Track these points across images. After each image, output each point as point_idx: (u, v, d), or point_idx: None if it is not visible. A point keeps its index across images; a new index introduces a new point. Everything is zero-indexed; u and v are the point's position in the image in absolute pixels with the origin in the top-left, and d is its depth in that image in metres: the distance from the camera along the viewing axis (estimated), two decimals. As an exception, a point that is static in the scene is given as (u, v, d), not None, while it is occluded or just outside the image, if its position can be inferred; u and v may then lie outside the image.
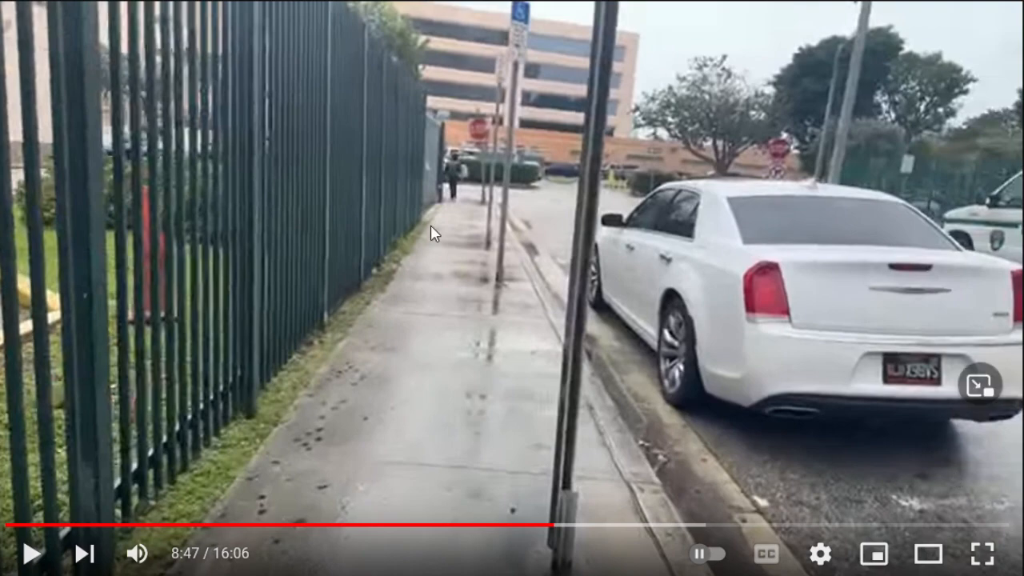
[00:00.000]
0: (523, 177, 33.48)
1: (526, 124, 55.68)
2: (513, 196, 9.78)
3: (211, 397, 3.19)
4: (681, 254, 4.77)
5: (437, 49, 41.80)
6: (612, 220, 6.66)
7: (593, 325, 6.67)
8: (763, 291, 3.81)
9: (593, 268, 7.55)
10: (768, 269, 3.83)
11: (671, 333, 4.67)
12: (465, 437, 3.65)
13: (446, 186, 22.46)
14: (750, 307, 3.82)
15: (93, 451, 2.13)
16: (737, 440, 4.10)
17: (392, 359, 4.86)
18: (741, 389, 3.92)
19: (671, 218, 5.47)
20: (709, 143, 49.30)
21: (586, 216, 2.15)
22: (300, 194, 4.48)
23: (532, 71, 57.24)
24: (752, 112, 46.85)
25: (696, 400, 4.33)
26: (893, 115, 47.43)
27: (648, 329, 5.23)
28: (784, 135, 40.87)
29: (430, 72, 33.20)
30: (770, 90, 48.00)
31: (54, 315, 2.07)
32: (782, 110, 45.85)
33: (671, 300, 4.70)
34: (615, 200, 32.72)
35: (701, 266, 4.44)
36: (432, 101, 16.97)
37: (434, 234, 12.05)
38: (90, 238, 2.01)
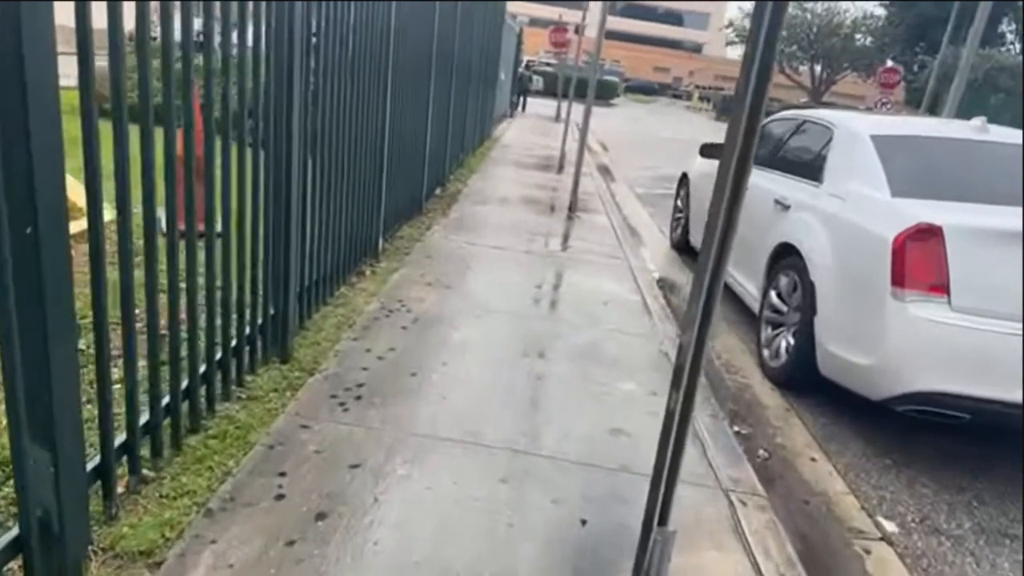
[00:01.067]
0: (601, 94, 31.74)
1: (608, 35, 52.63)
2: (593, 115, 8.83)
3: (232, 344, 2.68)
4: (804, 202, 3.92)
5: (520, -51, 39.21)
6: (711, 150, 5.74)
7: (676, 271, 5.92)
8: (918, 261, 3.00)
9: (680, 204, 6.71)
10: (927, 234, 3.00)
11: (780, 296, 3.91)
12: (526, 411, 3.04)
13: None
14: (898, 280, 3.03)
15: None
16: (850, 433, 3.42)
17: (449, 299, 4.28)
18: (871, 378, 3.18)
19: (791, 155, 4.56)
20: (805, 68, 45.53)
21: (733, 180, 1.43)
22: (354, 97, 3.81)
23: (619, -23, 53.45)
24: (857, 36, 42.72)
25: (803, 381, 3.63)
26: (1019, 47, 42.40)
27: (748, 286, 4.46)
28: (890, 63, 37.11)
29: (511, -26, 31.21)
30: (880, 12, 43.39)
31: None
32: (892, 35, 41.50)
33: (785, 257, 3.90)
34: (695, 124, 30.82)
35: (832, 220, 3.60)
36: (511, 6, 15.73)
37: (504, 154, 11.26)
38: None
